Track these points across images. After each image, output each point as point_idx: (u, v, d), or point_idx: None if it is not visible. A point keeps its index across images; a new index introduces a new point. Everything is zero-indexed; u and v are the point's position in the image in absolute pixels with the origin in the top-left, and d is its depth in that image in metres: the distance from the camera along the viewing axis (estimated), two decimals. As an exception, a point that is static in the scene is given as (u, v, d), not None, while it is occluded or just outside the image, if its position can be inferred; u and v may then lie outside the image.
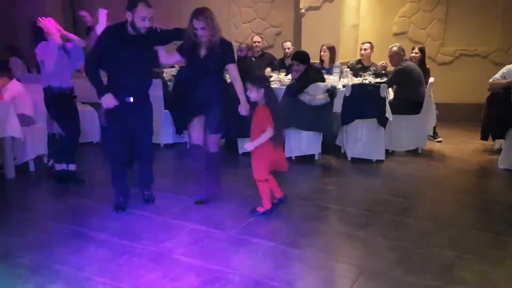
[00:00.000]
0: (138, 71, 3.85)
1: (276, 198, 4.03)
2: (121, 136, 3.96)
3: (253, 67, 5.86)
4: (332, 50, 6.68)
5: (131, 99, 3.84)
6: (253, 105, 3.87)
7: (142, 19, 3.65)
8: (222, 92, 4.05)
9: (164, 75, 6.61)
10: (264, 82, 3.77)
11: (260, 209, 3.93)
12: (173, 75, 6.77)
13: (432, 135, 6.42)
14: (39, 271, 3.00)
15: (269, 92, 3.75)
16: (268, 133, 3.70)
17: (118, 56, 3.75)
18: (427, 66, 6.50)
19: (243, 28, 9.32)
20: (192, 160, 4.38)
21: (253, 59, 5.83)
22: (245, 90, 3.89)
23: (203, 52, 3.94)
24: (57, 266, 3.07)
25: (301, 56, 5.41)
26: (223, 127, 4.17)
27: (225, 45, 3.99)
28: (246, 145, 3.85)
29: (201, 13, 3.82)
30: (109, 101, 3.74)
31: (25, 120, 4.99)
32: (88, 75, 3.76)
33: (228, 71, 4.06)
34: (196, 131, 4.11)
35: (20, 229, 3.74)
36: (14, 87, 4.98)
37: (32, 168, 5.21)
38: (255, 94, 3.71)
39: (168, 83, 6.34)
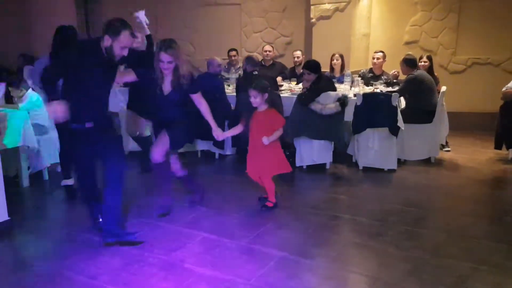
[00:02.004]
0: (101, 95, 3.50)
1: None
2: (84, 165, 3.64)
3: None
4: (343, 59, 6.73)
5: (91, 124, 3.41)
6: (249, 111, 4.15)
7: (122, 48, 3.31)
8: (184, 116, 4.02)
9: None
10: (267, 87, 4.06)
11: (269, 204, 4.26)
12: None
13: (444, 144, 6.37)
14: (53, 280, 3.02)
15: (273, 95, 4.10)
16: (280, 131, 4.09)
17: (86, 76, 3.34)
18: (436, 74, 6.45)
19: (254, 37, 9.37)
20: (157, 177, 4.22)
21: (254, 73, 5.84)
22: (246, 98, 4.16)
23: (167, 88, 3.85)
24: (70, 274, 3.09)
25: (312, 65, 5.42)
26: (180, 144, 4.18)
27: (191, 79, 3.89)
28: (264, 139, 4.04)
29: (169, 46, 3.69)
30: (59, 110, 3.18)
31: (39, 130, 5.05)
32: (45, 83, 3.34)
33: (193, 99, 3.97)
34: (159, 147, 3.97)
35: (34, 237, 3.78)
36: (30, 97, 5.04)
37: (45, 177, 5.26)
38: (261, 99, 4.00)
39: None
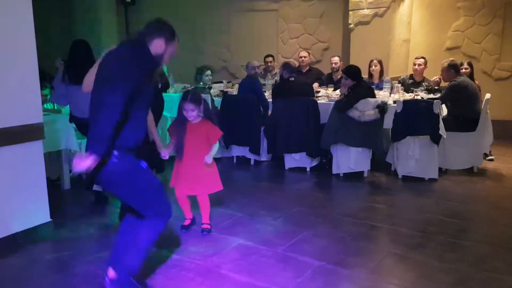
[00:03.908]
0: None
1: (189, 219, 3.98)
2: None
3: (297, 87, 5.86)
4: (381, 65, 6.63)
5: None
6: (179, 124, 3.69)
7: (169, 57, 2.72)
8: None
9: (212, 90, 6.69)
10: (202, 98, 3.71)
11: (208, 226, 3.87)
12: (220, 91, 6.86)
13: (487, 153, 6.14)
14: (92, 281, 3.06)
15: (207, 106, 3.72)
16: (217, 145, 3.76)
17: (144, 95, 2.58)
18: (477, 82, 6.23)
19: (291, 43, 9.35)
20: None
21: (291, 79, 5.81)
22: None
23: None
24: (108, 277, 3.12)
25: (350, 71, 5.37)
26: None
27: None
28: (207, 159, 3.69)
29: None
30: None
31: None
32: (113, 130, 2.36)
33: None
34: None
35: (75, 239, 3.87)
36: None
37: (86, 179, 5.38)
38: (197, 112, 3.63)
39: (215, 98, 6.42)
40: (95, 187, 4.61)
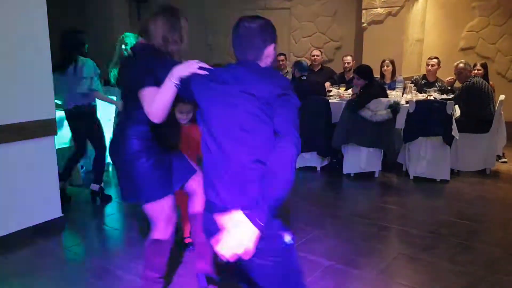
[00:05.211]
0: None
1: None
2: None
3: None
4: (393, 64, 6.59)
5: None
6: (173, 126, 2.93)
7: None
8: None
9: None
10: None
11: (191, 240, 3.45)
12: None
13: (500, 155, 6.07)
14: (101, 277, 3.09)
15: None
16: None
17: None
18: (491, 82, 6.16)
19: (303, 42, 9.33)
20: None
21: (303, 78, 5.78)
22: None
23: None
24: (118, 272, 3.15)
25: (362, 71, 5.34)
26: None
27: None
28: None
29: None
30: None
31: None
32: None
33: None
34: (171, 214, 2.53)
35: (86, 235, 3.90)
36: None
37: (97, 175, 5.42)
38: (191, 114, 3.15)
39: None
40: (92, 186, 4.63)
